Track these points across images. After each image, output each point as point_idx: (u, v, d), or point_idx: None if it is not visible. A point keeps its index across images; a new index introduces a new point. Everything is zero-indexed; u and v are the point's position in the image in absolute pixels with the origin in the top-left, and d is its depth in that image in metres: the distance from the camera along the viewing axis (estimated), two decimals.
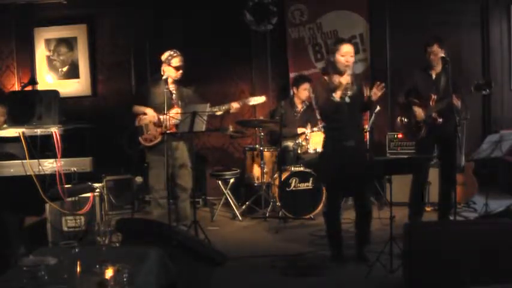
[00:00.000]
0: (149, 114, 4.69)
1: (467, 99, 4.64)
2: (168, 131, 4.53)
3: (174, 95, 4.76)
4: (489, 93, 4.52)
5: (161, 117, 4.63)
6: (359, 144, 3.99)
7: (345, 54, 3.82)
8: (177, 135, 4.68)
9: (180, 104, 4.73)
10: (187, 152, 4.87)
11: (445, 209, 4.67)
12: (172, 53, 4.72)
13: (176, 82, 4.77)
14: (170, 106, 4.63)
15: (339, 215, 4.10)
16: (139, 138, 4.76)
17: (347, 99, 3.86)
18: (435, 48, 4.41)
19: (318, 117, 6.11)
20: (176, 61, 4.70)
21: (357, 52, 6.44)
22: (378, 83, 3.82)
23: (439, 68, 4.52)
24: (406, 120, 4.65)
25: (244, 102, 4.88)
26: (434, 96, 4.42)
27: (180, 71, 4.72)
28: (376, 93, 3.81)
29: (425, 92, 4.50)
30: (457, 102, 4.27)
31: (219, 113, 4.74)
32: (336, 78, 3.86)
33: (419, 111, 4.50)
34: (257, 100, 4.92)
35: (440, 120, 4.40)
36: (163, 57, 4.74)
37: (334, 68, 3.88)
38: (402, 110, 4.67)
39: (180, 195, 4.86)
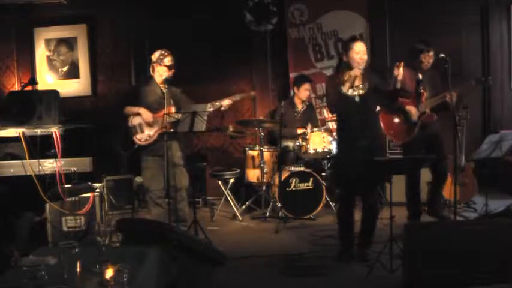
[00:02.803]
0: (144, 114, 4.65)
1: (466, 99, 4.66)
2: (164, 130, 4.51)
3: (165, 94, 4.74)
4: (488, 83, 4.58)
5: (156, 116, 4.63)
6: (373, 144, 3.92)
7: (359, 52, 3.83)
8: (176, 134, 4.66)
9: (171, 102, 4.70)
10: (180, 151, 4.85)
11: (436, 207, 4.69)
12: (163, 52, 4.72)
13: (166, 81, 4.73)
14: (162, 105, 4.61)
15: (353, 214, 4.07)
16: (134, 137, 4.73)
17: (356, 98, 3.85)
18: (432, 53, 4.46)
19: (319, 116, 6.15)
20: (168, 60, 4.70)
21: None
22: (397, 63, 3.81)
23: (427, 68, 4.56)
24: (397, 120, 4.64)
25: (236, 98, 4.86)
26: (425, 94, 4.45)
27: (172, 70, 4.71)
28: (400, 72, 3.78)
29: (412, 91, 4.52)
30: (451, 99, 4.28)
31: (209, 109, 4.69)
32: (347, 74, 3.86)
33: (414, 110, 4.51)
34: (246, 96, 4.94)
35: (436, 117, 4.43)
36: (155, 57, 4.73)
37: (348, 66, 3.87)
38: (392, 110, 4.64)
39: (175, 195, 4.82)
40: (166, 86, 4.53)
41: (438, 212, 4.76)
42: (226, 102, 4.72)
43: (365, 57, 3.86)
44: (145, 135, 4.69)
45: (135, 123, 4.71)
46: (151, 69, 4.78)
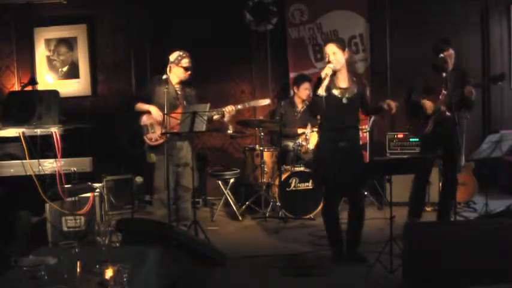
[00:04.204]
0: (154, 113, 4.65)
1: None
2: (172, 131, 4.51)
3: (179, 95, 4.75)
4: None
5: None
6: (353, 145, 3.99)
7: (326, 54, 3.89)
8: (182, 135, 4.66)
9: (185, 103, 4.72)
10: (191, 152, 4.86)
11: (445, 210, 4.65)
12: (181, 53, 4.72)
13: (180, 82, 4.76)
14: (176, 106, 4.63)
15: (336, 214, 4.11)
16: (144, 137, 4.74)
17: (344, 100, 3.90)
18: (451, 51, 4.42)
19: (319, 116, 6.14)
20: (186, 62, 4.70)
21: (356, 52, 6.47)
22: (391, 105, 3.92)
23: (448, 67, 4.52)
24: (412, 115, 4.61)
25: (245, 106, 4.86)
26: (444, 91, 4.41)
27: (189, 72, 4.72)
28: (390, 104, 3.88)
29: (436, 90, 4.48)
30: (471, 94, 4.27)
31: (215, 117, 4.72)
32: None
33: (428, 103, 4.44)
34: (261, 102, 4.93)
35: (449, 114, 4.40)
36: (173, 57, 4.71)
37: None
38: (409, 107, 4.62)
39: (182, 195, 4.83)
40: (166, 87, 4.52)
41: (448, 213, 4.68)
42: (229, 109, 4.68)
43: (333, 56, 3.85)
44: (156, 135, 4.69)
45: (147, 122, 4.71)
46: (168, 70, 4.76)
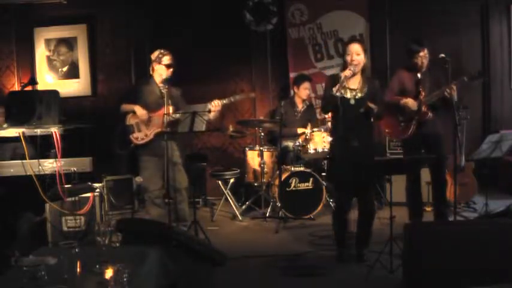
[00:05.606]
0: (139, 112, 4.63)
1: (467, 99, 4.64)
2: (161, 130, 4.50)
3: (163, 94, 4.72)
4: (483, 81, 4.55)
5: (151, 115, 4.62)
6: (365, 145, 3.94)
7: (350, 53, 3.88)
8: (173, 134, 4.65)
9: (170, 102, 4.68)
10: (178, 151, 4.83)
11: (440, 210, 4.65)
12: (162, 51, 4.72)
13: (165, 81, 4.73)
14: (161, 105, 4.60)
15: (345, 214, 4.07)
16: (130, 136, 4.72)
17: (352, 101, 3.89)
18: (425, 52, 4.45)
19: (319, 116, 6.15)
20: (167, 59, 4.69)
21: None
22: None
23: (423, 68, 4.54)
24: (393, 118, 4.61)
25: (230, 100, 4.81)
26: (423, 92, 4.42)
27: (171, 69, 4.71)
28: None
29: (411, 91, 4.50)
30: (453, 93, 4.27)
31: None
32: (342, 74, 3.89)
33: (411, 101, 4.44)
34: (246, 96, 4.96)
35: (431, 114, 4.41)
36: (154, 56, 4.73)
37: (345, 68, 3.93)
38: (389, 109, 4.61)
39: (175, 196, 4.79)
40: (166, 86, 4.52)
41: (444, 213, 4.68)
42: (214, 104, 4.63)
43: (358, 58, 3.86)
44: (142, 134, 4.68)
45: (132, 122, 4.70)
46: (151, 69, 4.78)
